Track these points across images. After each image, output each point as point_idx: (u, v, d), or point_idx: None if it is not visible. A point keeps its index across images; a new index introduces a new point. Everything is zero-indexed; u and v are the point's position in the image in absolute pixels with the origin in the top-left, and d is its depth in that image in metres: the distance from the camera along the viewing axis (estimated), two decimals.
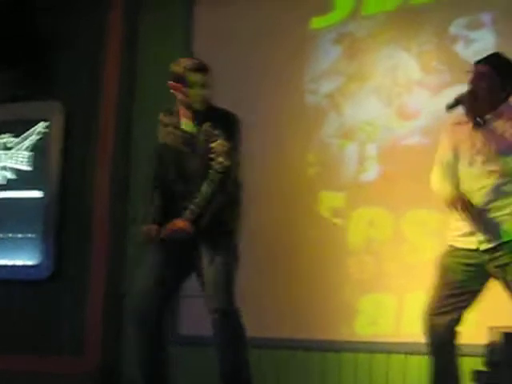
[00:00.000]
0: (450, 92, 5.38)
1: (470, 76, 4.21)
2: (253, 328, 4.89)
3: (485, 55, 4.29)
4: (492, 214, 4.06)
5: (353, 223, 5.67)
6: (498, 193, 4.05)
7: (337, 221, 5.71)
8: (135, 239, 6.22)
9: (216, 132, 4.57)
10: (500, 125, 4.08)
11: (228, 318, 4.53)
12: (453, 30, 5.51)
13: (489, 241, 4.04)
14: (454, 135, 4.27)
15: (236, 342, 4.60)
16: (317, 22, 6.02)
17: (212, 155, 4.53)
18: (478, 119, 4.13)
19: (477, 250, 4.08)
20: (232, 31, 6.31)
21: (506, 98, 4.18)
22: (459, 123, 4.26)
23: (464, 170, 4.17)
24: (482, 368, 3.89)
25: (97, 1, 6.73)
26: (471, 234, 4.11)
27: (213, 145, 4.52)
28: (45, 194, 6.70)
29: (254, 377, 4.61)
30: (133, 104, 6.68)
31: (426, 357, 4.19)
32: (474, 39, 5.44)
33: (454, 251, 4.21)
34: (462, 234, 4.18)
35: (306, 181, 5.80)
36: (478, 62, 4.22)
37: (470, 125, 4.17)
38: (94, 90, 6.71)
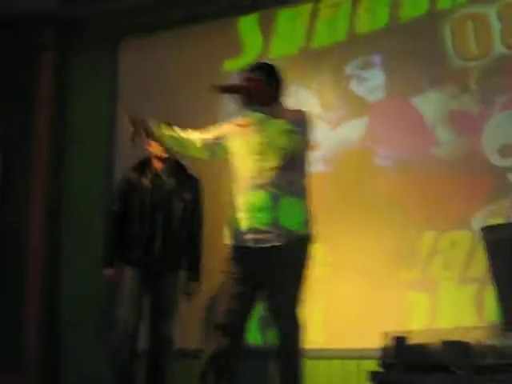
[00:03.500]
0: (348, 125, 5.50)
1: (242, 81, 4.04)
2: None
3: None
4: (270, 220, 3.80)
5: None
6: (271, 196, 3.82)
7: None
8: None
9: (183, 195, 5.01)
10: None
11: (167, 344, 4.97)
12: (348, 69, 5.58)
13: (256, 242, 3.82)
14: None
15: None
16: (229, 65, 6.05)
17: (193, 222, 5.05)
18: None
19: (246, 248, 3.85)
20: (153, 73, 6.32)
21: (276, 96, 4.04)
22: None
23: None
24: (377, 369, 3.93)
25: (29, 44, 6.69)
26: (245, 233, 3.87)
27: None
28: None
29: None
30: (63, 142, 6.66)
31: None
32: (367, 77, 5.52)
33: (233, 249, 3.94)
34: (236, 233, 3.92)
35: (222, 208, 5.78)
36: (248, 73, 4.05)
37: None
38: (28, 126, 6.66)
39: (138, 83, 6.37)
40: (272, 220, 3.80)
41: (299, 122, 3.94)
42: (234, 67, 6.01)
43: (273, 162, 3.83)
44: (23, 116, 6.69)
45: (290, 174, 3.87)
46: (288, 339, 3.80)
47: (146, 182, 4.99)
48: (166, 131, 4.08)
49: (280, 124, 3.89)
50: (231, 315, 3.82)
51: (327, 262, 5.36)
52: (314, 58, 5.77)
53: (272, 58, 5.86)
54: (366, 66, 5.55)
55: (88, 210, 6.11)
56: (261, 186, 3.83)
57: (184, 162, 5.13)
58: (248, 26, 6.07)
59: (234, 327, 3.83)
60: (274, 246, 3.80)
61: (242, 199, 3.90)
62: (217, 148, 4.09)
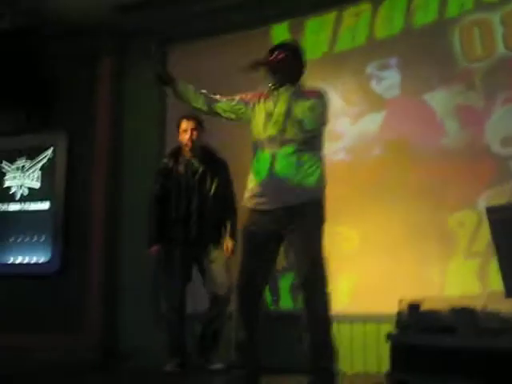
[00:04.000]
0: (367, 119, 5.47)
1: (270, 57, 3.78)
2: None
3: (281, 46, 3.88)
4: (287, 182, 3.59)
5: None
6: (290, 160, 3.60)
7: None
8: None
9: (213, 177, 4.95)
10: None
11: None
12: (368, 70, 5.54)
13: (273, 203, 3.60)
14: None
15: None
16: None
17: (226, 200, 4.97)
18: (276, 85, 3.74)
19: (262, 211, 3.64)
20: (198, 76, 6.29)
21: (299, 74, 3.83)
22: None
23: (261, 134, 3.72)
24: (393, 331, 3.91)
25: (91, 51, 6.72)
26: (260, 195, 3.66)
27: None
28: (53, 205, 6.69)
29: None
30: (122, 132, 6.66)
31: None
32: (384, 77, 5.48)
33: (246, 213, 3.74)
34: (252, 196, 3.71)
35: None
36: (276, 49, 3.82)
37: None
38: (91, 123, 6.69)
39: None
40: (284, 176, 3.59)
41: (319, 101, 3.71)
42: None
43: (290, 134, 3.62)
44: (87, 115, 6.72)
45: (304, 146, 3.63)
46: (316, 303, 3.56)
47: (179, 168, 4.99)
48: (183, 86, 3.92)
49: (302, 101, 3.64)
50: (243, 277, 3.65)
51: (351, 240, 5.35)
52: (338, 60, 5.74)
53: None
54: (384, 67, 5.51)
55: (142, 196, 6.11)
56: (275, 148, 3.62)
57: (211, 148, 5.12)
58: (280, 33, 6.00)
59: (246, 288, 3.64)
60: (284, 208, 3.58)
61: (258, 162, 3.71)
62: (217, 106, 3.87)
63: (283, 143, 3.62)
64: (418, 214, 5.08)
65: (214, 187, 4.96)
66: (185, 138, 5.01)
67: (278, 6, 6.00)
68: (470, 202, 4.91)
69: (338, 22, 5.74)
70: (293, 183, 3.60)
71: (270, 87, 3.80)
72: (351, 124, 5.54)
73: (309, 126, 3.62)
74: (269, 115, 3.70)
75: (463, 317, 3.42)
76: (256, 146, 3.76)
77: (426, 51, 5.32)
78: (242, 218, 3.84)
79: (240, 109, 3.87)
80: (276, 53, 3.79)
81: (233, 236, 4.97)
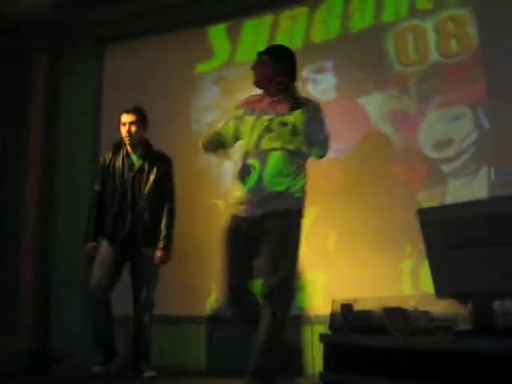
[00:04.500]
0: None
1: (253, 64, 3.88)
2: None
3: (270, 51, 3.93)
4: (269, 189, 3.69)
5: None
6: (275, 169, 3.70)
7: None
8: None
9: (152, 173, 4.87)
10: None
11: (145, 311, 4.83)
12: (304, 73, 5.54)
13: (257, 210, 3.68)
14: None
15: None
16: (200, 68, 6.03)
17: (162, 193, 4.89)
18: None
19: (245, 217, 3.73)
20: (134, 73, 6.27)
21: (287, 82, 3.71)
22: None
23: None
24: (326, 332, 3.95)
25: (26, 49, 6.62)
26: (243, 203, 3.74)
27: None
28: None
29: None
30: (56, 133, 6.57)
31: None
32: (320, 81, 5.52)
33: (230, 219, 3.80)
34: (236, 203, 3.79)
35: (195, 191, 5.74)
36: (261, 54, 3.87)
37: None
38: (24, 123, 6.58)
39: (121, 82, 6.34)
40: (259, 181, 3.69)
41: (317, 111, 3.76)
42: (204, 70, 6.02)
43: (282, 143, 3.70)
44: (21, 114, 6.62)
45: (293, 155, 3.73)
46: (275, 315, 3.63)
47: (117, 162, 4.92)
48: None
49: (299, 111, 3.63)
50: (230, 280, 3.71)
51: None
52: None
53: (238, 62, 5.86)
54: (320, 70, 5.54)
55: (76, 194, 6.04)
56: (264, 157, 3.70)
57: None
58: (217, 34, 6.02)
59: (234, 289, 3.71)
60: (262, 216, 3.66)
61: (245, 171, 3.78)
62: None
63: (272, 152, 3.70)
64: (353, 216, 5.12)
65: (151, 184, 4.90)
66: (123, 131, 4.94)
67: (216, 8, 6.00)
68: (402, 205, 4.95)
69: (274, 24, 5.76)
70: (279, 191, 3.68)
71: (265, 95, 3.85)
72: None
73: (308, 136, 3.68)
74: (263, 126, 3.75)
75: (395, 317, 3.47)
76: (245, 155, 3.80)
77: (361, 55, 5.38)
78: (224, 223, 3.84)
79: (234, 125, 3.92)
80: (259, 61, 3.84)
81: (165, 247, 4.87)
